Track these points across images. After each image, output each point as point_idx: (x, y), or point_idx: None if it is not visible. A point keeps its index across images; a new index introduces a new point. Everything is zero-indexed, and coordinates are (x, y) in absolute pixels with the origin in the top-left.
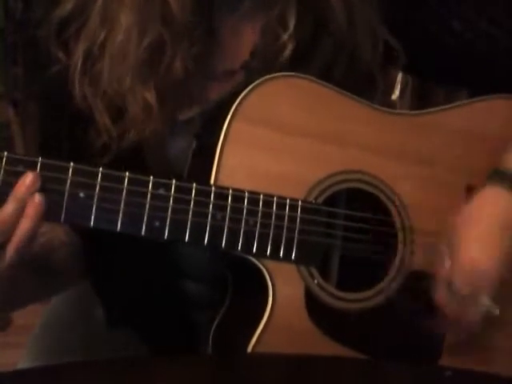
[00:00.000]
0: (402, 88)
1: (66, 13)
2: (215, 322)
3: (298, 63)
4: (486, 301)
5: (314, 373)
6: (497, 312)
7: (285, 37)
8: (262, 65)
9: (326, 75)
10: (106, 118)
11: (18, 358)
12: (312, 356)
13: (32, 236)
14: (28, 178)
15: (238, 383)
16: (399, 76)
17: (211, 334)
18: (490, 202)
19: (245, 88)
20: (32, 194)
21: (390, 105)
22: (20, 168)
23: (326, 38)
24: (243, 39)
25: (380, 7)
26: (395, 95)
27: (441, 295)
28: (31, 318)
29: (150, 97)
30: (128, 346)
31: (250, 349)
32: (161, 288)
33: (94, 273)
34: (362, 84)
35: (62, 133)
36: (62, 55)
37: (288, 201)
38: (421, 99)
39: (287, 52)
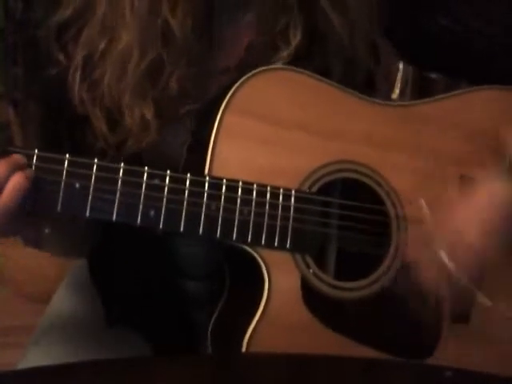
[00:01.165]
0: (402, 87)
1: (66, 16)
2: (214, 316)
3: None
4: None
5: (313, 372)
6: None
7: (284, 54)
8: (257, 62)
9: None
10: (103, 125)
11: (18, 358)
12: (312, 355)
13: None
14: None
15: (238, 383)
16: (399, 75)
17: (210, 327)
18: (493, 192)
19: (238, 80)
20: (18, 170)
21: None
22: None
23: (323, 51)
24: (241, 39)
25: (379, 12)
26: (395, 94)
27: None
28: (31, 318)
29: (148, 112)
30: (129, 346)
31: (247, 338)
32: (160, 287)
33: (94, 272)
34: (362, 88)
35: (62, 134)
36: (62, 57)
37: (281, 190)
38: (421, 98)
39: (283, 57)
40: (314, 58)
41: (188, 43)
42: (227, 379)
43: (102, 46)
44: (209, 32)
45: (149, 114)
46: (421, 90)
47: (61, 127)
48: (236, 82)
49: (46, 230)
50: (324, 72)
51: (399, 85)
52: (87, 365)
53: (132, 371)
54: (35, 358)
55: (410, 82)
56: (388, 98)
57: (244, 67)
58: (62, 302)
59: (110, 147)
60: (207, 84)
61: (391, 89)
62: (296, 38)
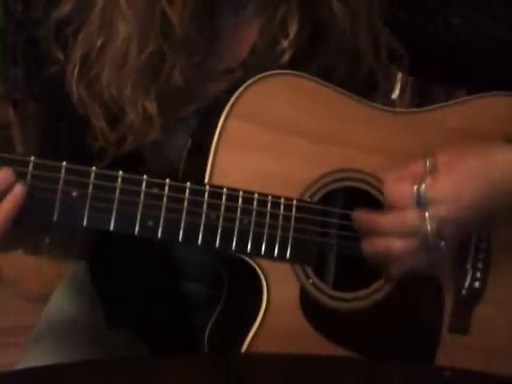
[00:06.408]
0: (402, 87)
1: (65, 12)
2: (210, 321)
3: (297, 67)
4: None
5: (312, 373)
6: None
7: (285, 43)
8: (261, 63)
9: (325, 78)
10: (102, 123)
11: (18, 358)
12: (310, 356)
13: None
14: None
15: (237, 383)
16: (399, 75)
17: (206, 333)
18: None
19: (241, 85)
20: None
21: (390, 104)
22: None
23: (326, 43)
24: (243, 38)
25: (382, 8)
26: (395, 94)
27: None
28: (31, 318)
29: (150, 106)
30: (128, 346)
31: (244, 348)
32: (160, 288)
33: (93, 273)
34: (364, 87)
35: (62, 133)
36: (61, 55)
37: (283, 200)
38: (421, 98)
39: (286, 57)
40: (316, 51)
41: (188, 34)
42: (226, 379)
43: (100, 41)
44: (210, 25)
45: (152, 108)
46: (421, 90)
47: (61, 127)
48: (238, 85)
49: (47, 240)
50: (326, 72)
51: (399, 85)
52: (86, 365)
53: (131, 371)
54: (34, 358)
55: (410, 82)
56: (388, 97)
57: (248, 67)
58: (61, 301)
59: (110, 145)
60: (210, 82)
61: (391, 88)
62: (293, 29)
